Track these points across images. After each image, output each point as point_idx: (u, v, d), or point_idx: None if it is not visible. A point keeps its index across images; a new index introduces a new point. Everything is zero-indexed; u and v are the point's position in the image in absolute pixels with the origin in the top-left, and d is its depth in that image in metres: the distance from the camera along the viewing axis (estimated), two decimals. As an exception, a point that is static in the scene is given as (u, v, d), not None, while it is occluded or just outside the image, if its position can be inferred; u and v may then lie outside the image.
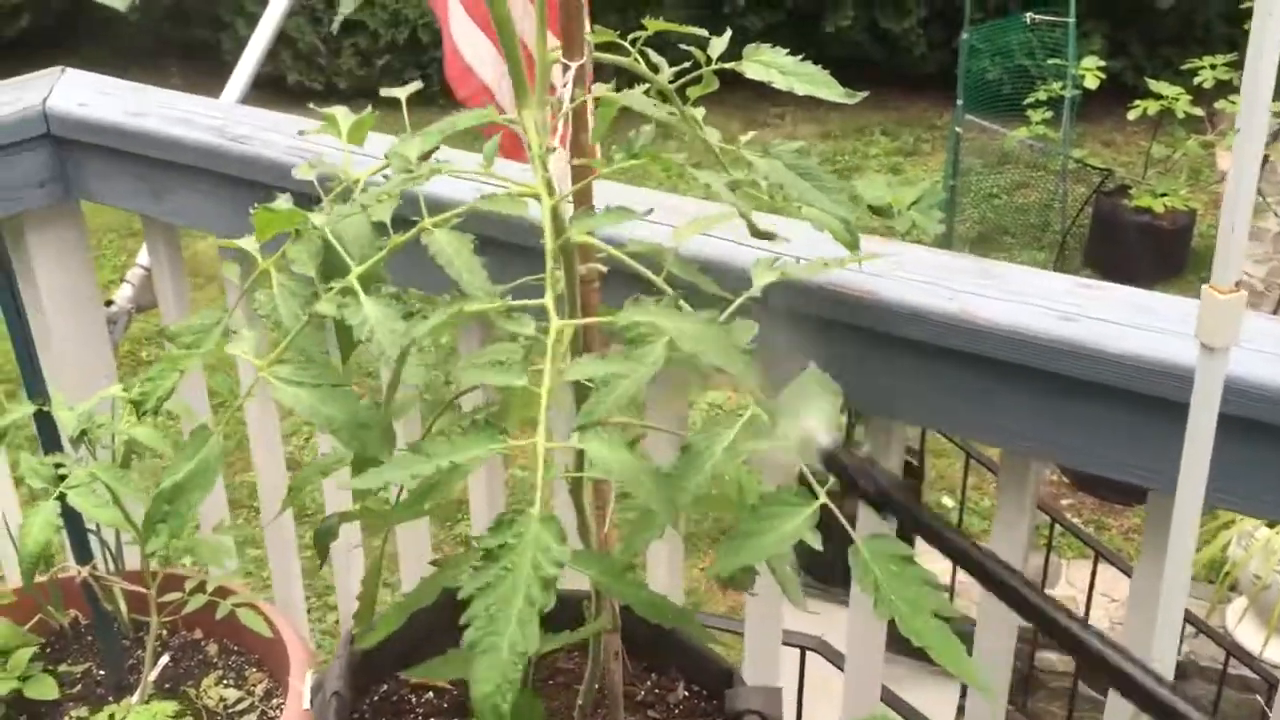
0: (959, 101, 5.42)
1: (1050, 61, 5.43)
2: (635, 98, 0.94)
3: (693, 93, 0.95)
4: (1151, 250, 5.46)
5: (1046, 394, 1.08)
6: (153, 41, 7.99)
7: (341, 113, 0.93)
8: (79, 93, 1.62)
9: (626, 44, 0.92)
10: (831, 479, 0.75)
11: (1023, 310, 1.08)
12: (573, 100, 0.81)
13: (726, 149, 0.96)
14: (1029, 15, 5.43)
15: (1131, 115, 5.05)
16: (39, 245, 1.67)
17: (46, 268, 1.69)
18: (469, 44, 2.58)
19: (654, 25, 0.90)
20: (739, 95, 8.16)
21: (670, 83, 0.95)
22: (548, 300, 0.65)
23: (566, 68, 0.82)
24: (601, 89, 0.91)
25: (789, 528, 0.74)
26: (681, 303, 0.71)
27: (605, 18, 0.92)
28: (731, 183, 0.93)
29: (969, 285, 1.13)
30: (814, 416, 0.76)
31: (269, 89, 7.46)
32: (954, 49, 5.88)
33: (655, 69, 0.94)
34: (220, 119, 1.54)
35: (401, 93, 0.93)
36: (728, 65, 0.94)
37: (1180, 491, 0.96)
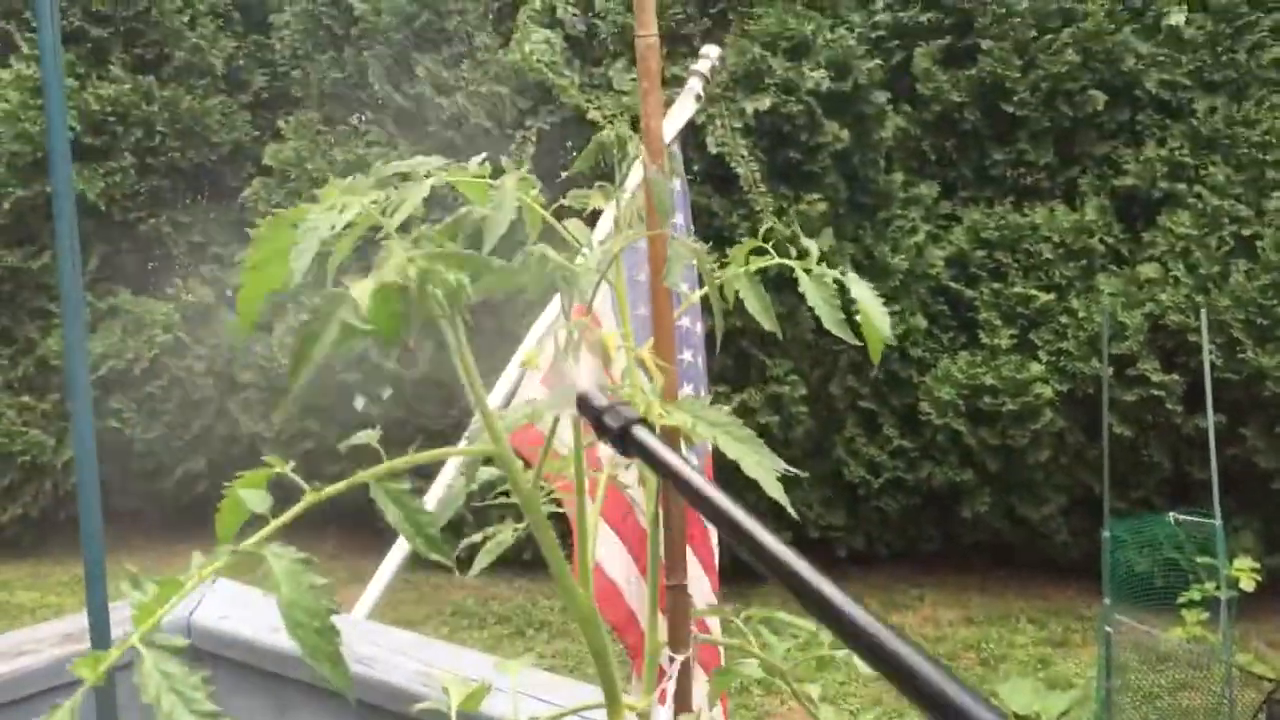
0: (1106, 601, 5.26)
1: (1200, 560, 5.29)
2: (750, 667, 0.93)
3: (806, 671, 0.93)
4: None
5: None
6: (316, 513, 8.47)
7: (456, 684, 0.94)
8: (223, 604, 1.69)
9: (739, 622, 0.93)
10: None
11: None
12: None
13: (841, 734, 0.92)
14: (1172, 515, 5.37)
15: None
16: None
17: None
18: (615, 565, 2.61)
19: (759, 614, 0.90)
20: (877, 574, 8.13)
21: (783, 658, 0.95)
22: None
23: (672, 659, 0.82)
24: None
25: None
26: None
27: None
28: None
29: None
30: (575, 370, 0.85)
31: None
32: (1097, 538, 5.82)
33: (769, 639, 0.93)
34: (346, 639, 1.58)
35: (515, 666, 0.94)
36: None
37: None
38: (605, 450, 0.90)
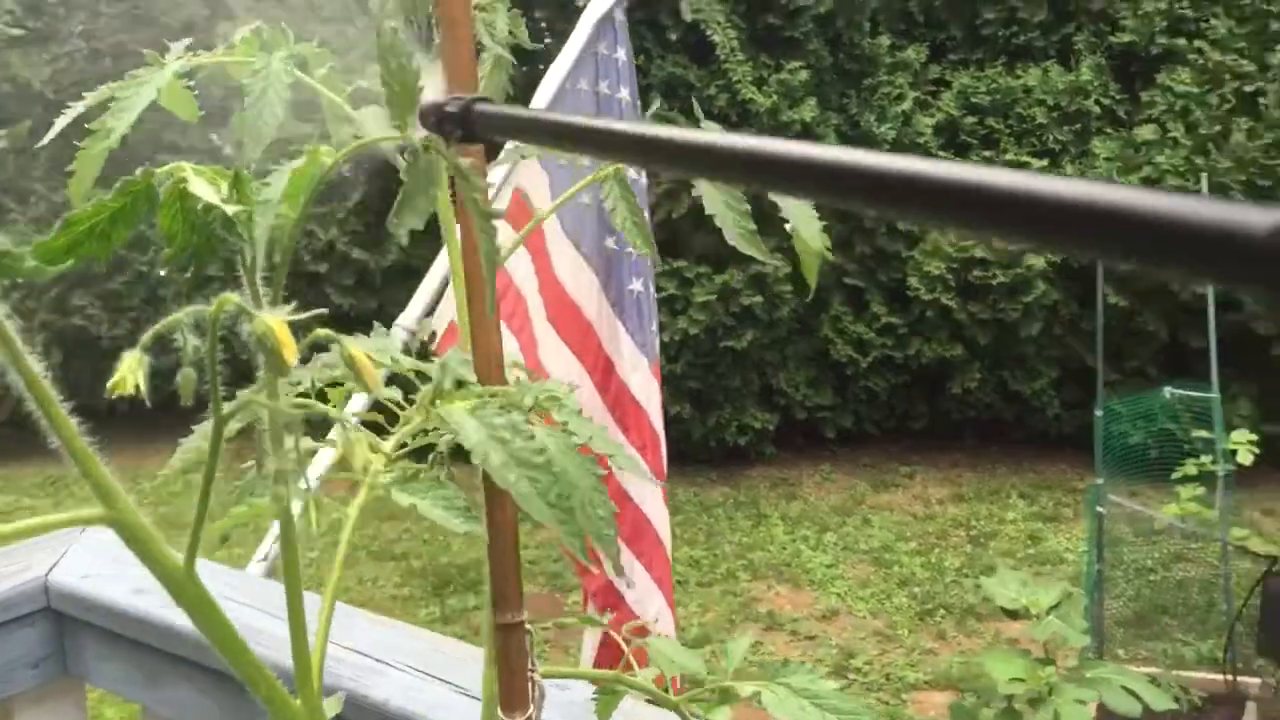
0: (1098, 481, 5.08)
1: (1196, 433, 5.10)
2: None
3: (704, 706, 0.72)
4: (1336, 641, 4.85)
5: None
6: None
7: None
8: (87, 562, 1.48)
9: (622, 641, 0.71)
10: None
11: None
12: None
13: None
14: (1168, 390, 5.17)
15: (1294, 496, 4.63)
16: (27, 731, 1.49)
17: (36, 754, 1.50)
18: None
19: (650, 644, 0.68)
20: (866, 453, 7.98)
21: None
22: None
23: None
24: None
25: None
26: None
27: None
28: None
29: None
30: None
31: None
32: (1090, 411, 5.64)
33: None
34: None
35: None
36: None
37: None
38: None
